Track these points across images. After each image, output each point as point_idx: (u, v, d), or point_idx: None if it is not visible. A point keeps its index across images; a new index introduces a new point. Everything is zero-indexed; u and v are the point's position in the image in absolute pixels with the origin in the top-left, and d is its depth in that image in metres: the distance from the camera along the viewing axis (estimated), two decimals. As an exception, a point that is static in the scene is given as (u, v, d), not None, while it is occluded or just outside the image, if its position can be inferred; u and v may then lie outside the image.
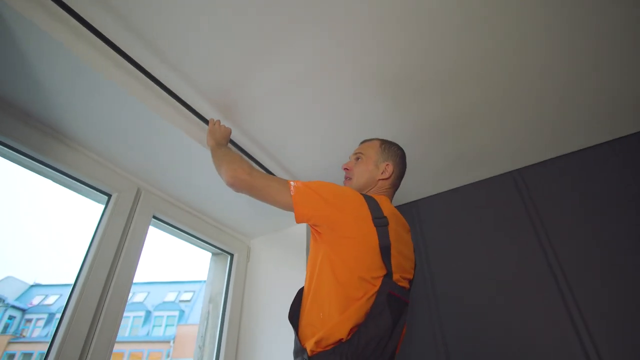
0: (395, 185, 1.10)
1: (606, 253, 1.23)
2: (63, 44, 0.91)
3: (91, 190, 1.27)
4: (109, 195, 1.29)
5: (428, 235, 1.64)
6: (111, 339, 1.14)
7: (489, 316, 1.34)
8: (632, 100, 1.23)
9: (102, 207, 1.29)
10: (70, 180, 1.24)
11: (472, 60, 1.10)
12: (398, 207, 1.80)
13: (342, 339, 0.78)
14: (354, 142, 1.32)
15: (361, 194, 0.94)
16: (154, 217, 1.42)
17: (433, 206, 1.70)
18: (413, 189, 1.70)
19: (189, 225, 1.54)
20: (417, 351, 1.43)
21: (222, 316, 1.61)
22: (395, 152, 1.10)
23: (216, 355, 1.51)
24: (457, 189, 1.67)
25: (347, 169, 1.13)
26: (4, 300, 12.47)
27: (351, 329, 0.78)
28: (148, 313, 14.75)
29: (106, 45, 0.97)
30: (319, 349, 0.79)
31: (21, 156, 1.12)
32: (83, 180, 1.24)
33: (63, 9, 0.89)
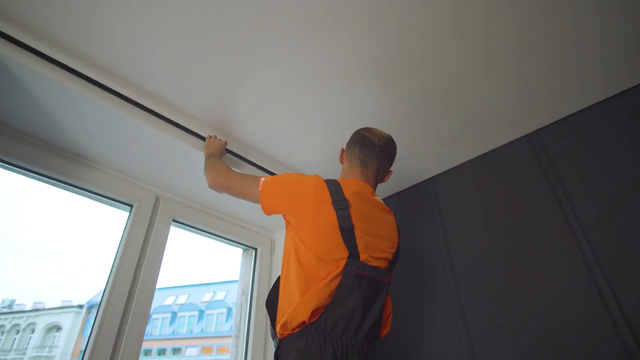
0: (355, 163, 1.09)
1: (630, 214, 1.09)
2: (82, 92, 1.11)
3: (114, 202, 1.43)
4: (131, 205, 1.45)
5: (445, 212, 1.57)
6: (140, 331, 1.28)
7: (511, 290, 1.26)
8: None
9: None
10: (97, 196, 1.41)
11: (450, 26, 1.02)
12: (411, 188, 1.75)
13: (305, 321, 0.80)
14: (349, 131, 1.31)
15: (325, 179, 0.95)
16: (175, 220, 1.56)
17: (449, 182, 1.62)
18: (423, 166, 1.63)
19: (208, 225, 1.66)
20: (437, 333, 1.39)
21: (250, 307, 1.71)
22: (350, 137, 1.16)
23: (245, 344, 1.62)
24: (472, 160, 1.57)
25: None
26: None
27: (314, 311, 0.80)
28: (229, 310, 15.92)
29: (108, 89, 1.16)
30: (287, 332, 0.82)
31: (61, 183, 1.34)
32: (106, 194, 1.41)
33: (70, 72, 1.09)
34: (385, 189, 1.77)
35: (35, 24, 1.00)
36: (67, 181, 1.34)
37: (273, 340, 0.89)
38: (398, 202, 1.78)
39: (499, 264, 1.32)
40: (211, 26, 1.02)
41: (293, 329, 0.81)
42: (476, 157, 1.56)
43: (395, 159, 1.20)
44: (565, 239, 1.20)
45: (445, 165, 1.63)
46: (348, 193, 0.91)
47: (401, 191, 1.79)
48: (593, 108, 1.29)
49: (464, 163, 1.60)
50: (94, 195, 1.41)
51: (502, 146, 1.49)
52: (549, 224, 1.25)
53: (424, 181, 1.72)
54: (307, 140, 1.49)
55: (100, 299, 1.27)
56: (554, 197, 1.27)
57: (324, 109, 1.33)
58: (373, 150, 1.08)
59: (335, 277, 0.83)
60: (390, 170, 1.16)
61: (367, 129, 1.15)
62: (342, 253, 0.85)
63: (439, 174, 1.67)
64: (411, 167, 1.64)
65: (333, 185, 0.92)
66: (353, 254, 0.85)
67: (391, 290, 1.57)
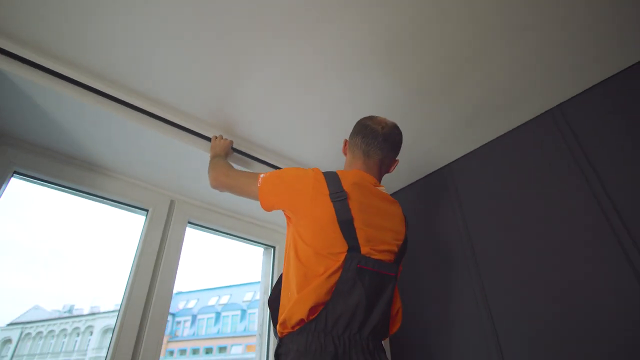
0: (357, 154, 1.05)
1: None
2: (99, 108, 1.16)
3: (131, 207, 1.48)
4: (147, 210, 1.49)
5: (464, 199, 1.48)
6: (160, 332, 1.31)
7: (537, 276, 1.16)
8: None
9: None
10: (114, 202, 1.46)
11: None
12: (428, 177, 1.67)
13: (303, 319, 0.77)
14: (353, 122, 1.28)
15: (324, 172, 0.93)
16: (190, 222, 1.58)
17: (467, 167, 1.53)
18: (438, 154, 1.55)
19: (224, 225, 1.68)
20: (460, 322, 1.32)
21: (270, 305, 1.71)
22: (353, 127, 1.11)
23: (267, 342, 1.62)
24: (490, 142, 1.47)
25: None
26: (157, 307, 15.03)
27: (312, 308, 0.77)
28: (270, 308, 16.22)
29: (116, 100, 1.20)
30: (286, 330, 0.80)
31: (85, 194, 1.42)
32: (122, 201, 1.45)
33: (80, 86, 1.13)
34: (400, 179, 1.71)
35: (44, 40, 1.05)
36: (88, 190, 1.40)
37: (276, 338, 0.87)
38: (414, 193, 1.72)
39: (523, 248, 1.23)
40: (211, 28, 1.03)
41: (293, 327, 0.79)
42: (494, 138, 1.47)
43: (409, 148, 1.14)
44: (595, 219, 1.09)
45: (462, 150, 1.55)
46: (346, 184, 0.88)
47: (417, 181, 1.72)
48: (618, 77, 1.17)
49: (482, 146, 1.51)
50: (111, 202, 1.46)
51: (521, 125, 1.39)
52: (576, 203, 1.15)
53: (440, 168, 1.64)
54: (315, 135, 1.47)
55: (120, 302, 1.31)
56: (582, 174, 1.16)
57: (329, 102, 1.30)
58: (376, 139, 1.03)
59: (335, 271, 0.80)
60: (397, 160, 1.11)
61: (370, 118, 1.10)
62: (342, 247, 0.81)
63: (455, 160, 1.59)
64: (425, 155, 1.57)
65: (331, 178, 0.89)
66: (353, 247, 0.81)
67: (412, 283, 1.52)
